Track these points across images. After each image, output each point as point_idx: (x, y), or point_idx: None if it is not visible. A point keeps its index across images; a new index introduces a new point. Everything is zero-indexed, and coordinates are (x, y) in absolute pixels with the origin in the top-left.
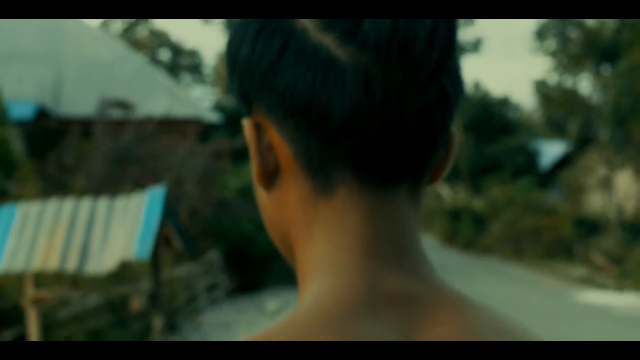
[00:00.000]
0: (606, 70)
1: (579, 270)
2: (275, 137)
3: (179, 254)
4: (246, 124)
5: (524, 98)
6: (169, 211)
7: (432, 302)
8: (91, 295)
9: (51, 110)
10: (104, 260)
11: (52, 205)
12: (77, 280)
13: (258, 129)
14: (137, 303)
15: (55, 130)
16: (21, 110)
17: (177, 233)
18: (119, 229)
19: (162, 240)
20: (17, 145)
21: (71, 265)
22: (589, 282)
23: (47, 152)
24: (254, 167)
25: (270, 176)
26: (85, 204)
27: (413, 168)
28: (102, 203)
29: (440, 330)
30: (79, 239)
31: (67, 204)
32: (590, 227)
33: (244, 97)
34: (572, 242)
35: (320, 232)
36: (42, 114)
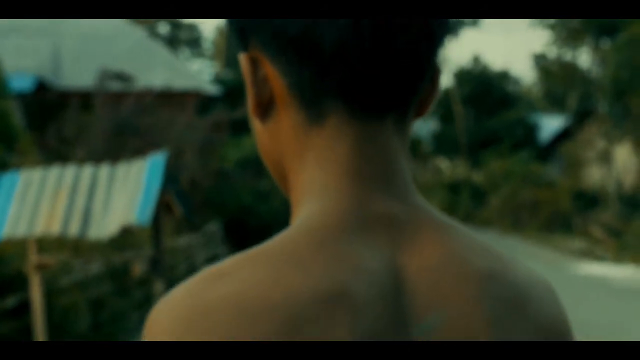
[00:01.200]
0: (605, 43)
1: (578, 243)
2: (270, 70)
3: (179, 224)
4: (242, 58)
5: (524, 72)
6: (170, 178)
7: (418, 225)
8: (93, 263)
9: (51, 83)
10: (106, 225)
11: (54, 172)
12: (79, 247)
13: (254, 63)
14: (138, 269)
15: (54, 103)
16: (20, 83)
17: (177, 199)
18: (120, 195)
19: (163, 207)
20: (17, 117)
21: (73, 230)
22: (588, 255)
23: (47, 124)
24: (249, 99)
25: (265, 107)
26: (87, 170)
27: (400, 100)
28: (104, 170)
29: (425, 250)
30: (81, 204)
31: (69, 171)
32: (589, 200)
33: (241, 33)
34: (570, 215)
35: (312, 159)
36: (41, 87)
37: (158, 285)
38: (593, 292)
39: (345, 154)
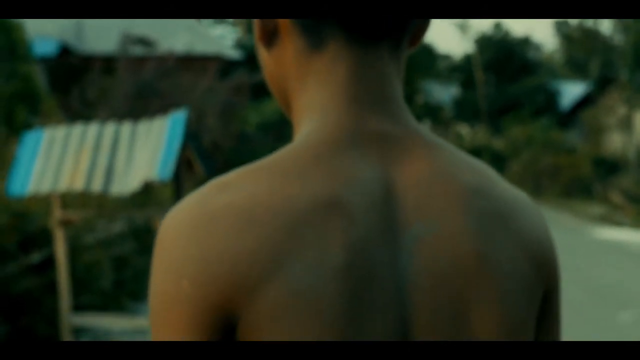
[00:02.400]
0: None
1: (597, 209)
2: None
3: (200, 182)
4: None
5: (545, 38)
6: (191, 135)
7: (408, 142)
8: (116, 221)
9: (74, 48)
10: (128, 181)
11: (77, 129)
12: (102, 206)
13: None
14: (160, 223)
15: (77, 67)
16: (44, 47)
17: (198, 157)
18: (142, 151)
19: (184, 163)
20: (40, 81)
21: (96, 186)
22: (607, 220)
23: (70, 88)
24: (255, 28)
25: (270, 36)
26: (110, 128)
27: (395, 28)
28: (126, 127)
29: (415, 166)
30: (104, 161)
31: (92, 129)
32: (609, 166)
33: None
34: (590, 181)
35: (312, 82)
36: (64, 51)
37: None
38: (611, 256)
39: (343, 77)
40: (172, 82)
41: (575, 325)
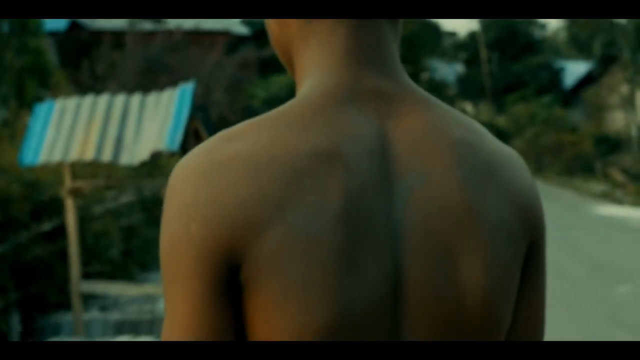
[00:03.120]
0: None
1: (599, 186)
2: None
3: None
4: None
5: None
6: (199, 107)
7: (403, 99)
8: (125, 192)
9: (83, 23)
10: (137, 151)
11: (88, 101)
12: (111, 175)
13: None
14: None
15: (87, 41)
16: (54, 23)
17: (205, 128)
18: (151, 122)
19: (191, 134)
20: (50, 55)
21: (106, 156)
22: (608, 197)
23: (80, 62)
24: None
25: None
26: (119, 99)
27: None
28: (135, 99)
29: (408, 121)
30: (114, 131)
31: (102, 100)
32: (611, 144)
33: None
34: (592, 159)
35: (313, 42)
36: (74, 26)
37: None
38: (611, 232)
39: (342, 38)
40: (180, 56)
41: (575, 298)
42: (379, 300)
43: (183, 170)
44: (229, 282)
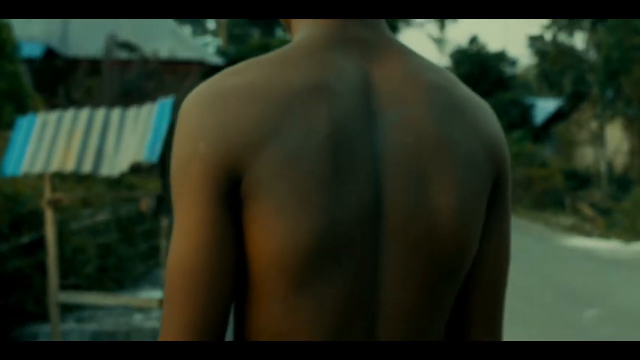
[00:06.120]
0: (602, 27)
1: (568, 220)
2: None
3: None
4: None
5: (520, 52)
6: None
7: (385, 47)
8: (101, 212)
9: (59, 51)
10: (117, 162)
11: (69, 114)
12: (90, 189)
13: None
14: (145, 203)
15: (63, 68)
16: (30, 50)
17: None
18: (131, 135)
19: (169, 147)
20: (26, 80)
21: (87, 167)
22: (577, 230)
23: (56, 88)
24: None
25: None
26: (100, 113)
27: None
28: (116, 112)
29: (389, 65)
30: (94, 143)
31: (83, 113)
32: (581, 179)
33: None
34: (562, 193)
35: None
36: (49, 54)
37: (164, 220)
38: (579, 261)
39: None
40: (156, 83)
41: (545, 323)
42: (360, 215)
43: (191, 100)
44: (230, 195)
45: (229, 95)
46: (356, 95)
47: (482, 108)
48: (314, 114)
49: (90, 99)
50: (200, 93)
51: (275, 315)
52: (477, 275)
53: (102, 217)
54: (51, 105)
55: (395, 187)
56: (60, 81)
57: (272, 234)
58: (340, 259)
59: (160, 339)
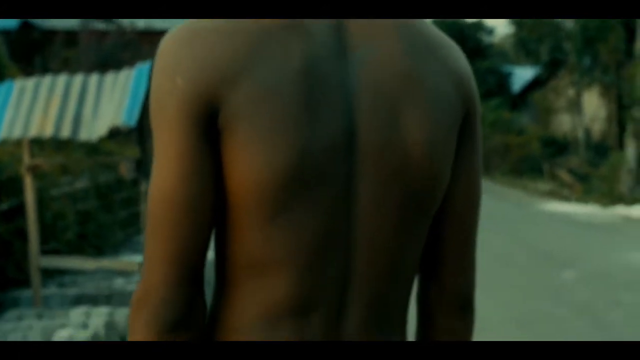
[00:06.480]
0: None
1: (546, 186)
2: None
3: None
4: None
5: (498, 23)
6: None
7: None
8: (80, 179)
9: (34, 22)
10: (96, 128)
11: (47, 80)
12: (69, 154)
13: None
14: (124, 168)
15: (39, 40)
16: (4, 22)
17: None
18: (109, 100)
19: (147, 111)
20: (2, 52)
21: (65, 132)
22: (555, 196)
23: (33, 59)
24: None
25: None
26: (78, 78)
27: None
28: (94, 78)
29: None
30: (72, 109)
31: (61, 79)
32: (559, 147)
33: None
34: (540, 160)
35: None
36: (25, 25)
37: (143, 185)
38: (557, 225)
39: None
40: (133, 53)
41: (521, 285)
42: (334, 147)
43: (169, 39)
44: (208, 128)
45: (205, 32)
46: (330, 34)
47: (451, 46)
48: (288, 50)
49: (67, 69)
50: (177, 32)
51: (252, 245)
52: (448, 209)
53: (81, 184)
54: (28, 75)
55: (368, 120)
56: (37, 52)
57: (248, 165)
58: (315, 189)
59: (143, 269)
